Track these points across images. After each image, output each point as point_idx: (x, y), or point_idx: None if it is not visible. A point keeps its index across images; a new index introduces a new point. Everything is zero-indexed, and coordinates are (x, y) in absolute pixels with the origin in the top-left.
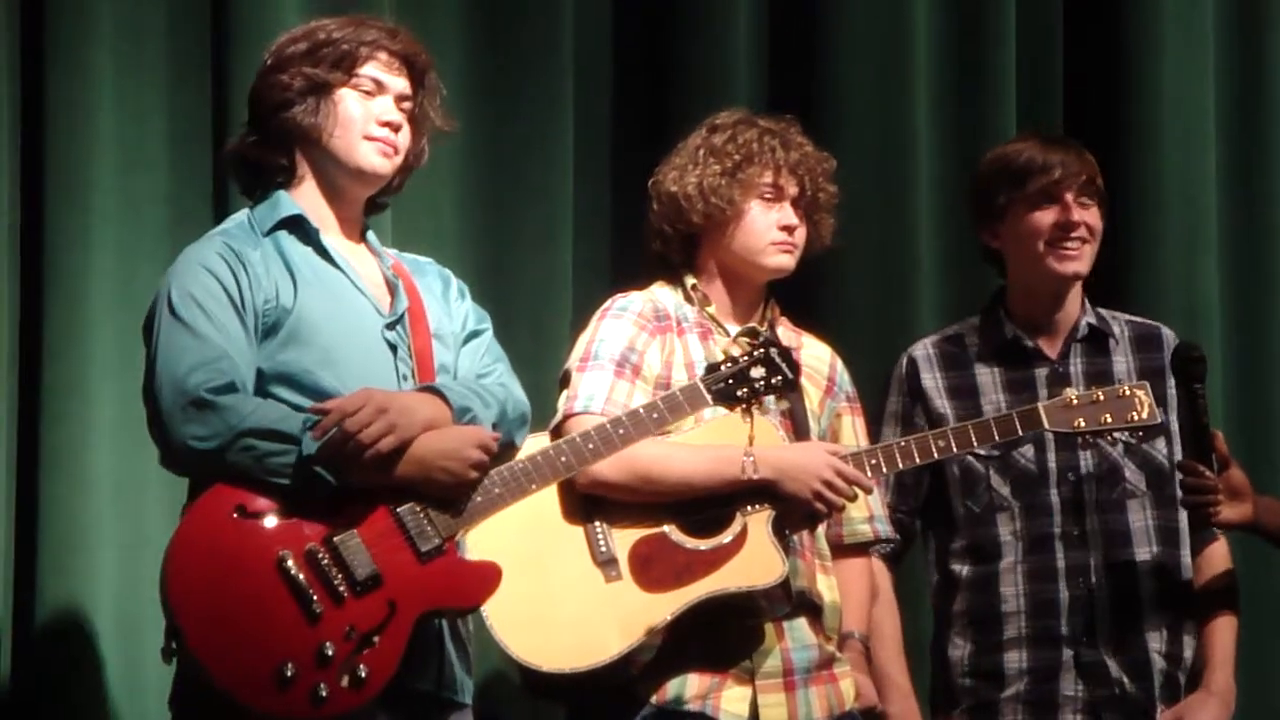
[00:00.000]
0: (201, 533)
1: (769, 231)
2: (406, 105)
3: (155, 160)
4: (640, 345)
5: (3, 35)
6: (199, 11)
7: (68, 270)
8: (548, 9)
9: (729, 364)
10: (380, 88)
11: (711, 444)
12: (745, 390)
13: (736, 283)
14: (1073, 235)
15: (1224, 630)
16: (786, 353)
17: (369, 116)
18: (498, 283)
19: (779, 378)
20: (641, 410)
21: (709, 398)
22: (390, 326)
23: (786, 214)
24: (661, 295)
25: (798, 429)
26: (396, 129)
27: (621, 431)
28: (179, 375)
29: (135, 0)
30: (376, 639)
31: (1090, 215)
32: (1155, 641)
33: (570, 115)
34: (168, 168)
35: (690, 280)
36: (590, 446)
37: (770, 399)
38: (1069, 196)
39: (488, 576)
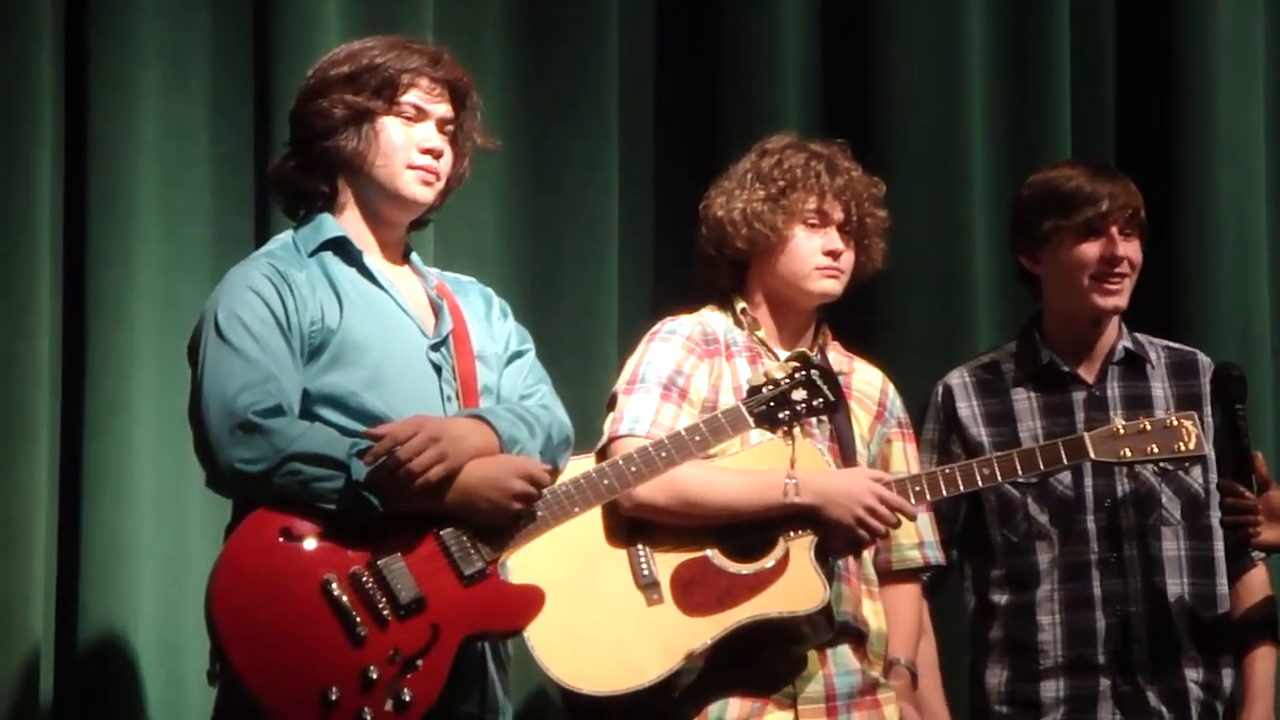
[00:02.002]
0: (246, 555)
1: (813, 257)
2: (449, 129)
3: (198, 180)
4: (688, 369)
5: (47, 56)
6: (242, 33)
7: (111, 289)
8: (593, 27)
9: (771, 386)
10: (422, 114)
11: (756, 468)
12: (787, 413)
13: (784, 307)
14: (1116, 271)
15: (1264, 660)
16: (829, 375)
17: (411, 144)
18: (542, 302)
19: (820, 400)
20: (684, 432)
21: (751, 420)
22: (435, 348)
23: (832, 239)
24: (711, 319)
25: (845, 454)
26: (438, 155)
27: (664, 454)
28: (226, 398)
29: (179, 22)
30: (420, 662)
31: (1133, 249)
32: (1192, 671)
33: (615, 134)
34: (210, 187)
35: (740, 304)
36: (633, 469)
37: (814, 421)
38: (1114, 230)
39: (531, 599)
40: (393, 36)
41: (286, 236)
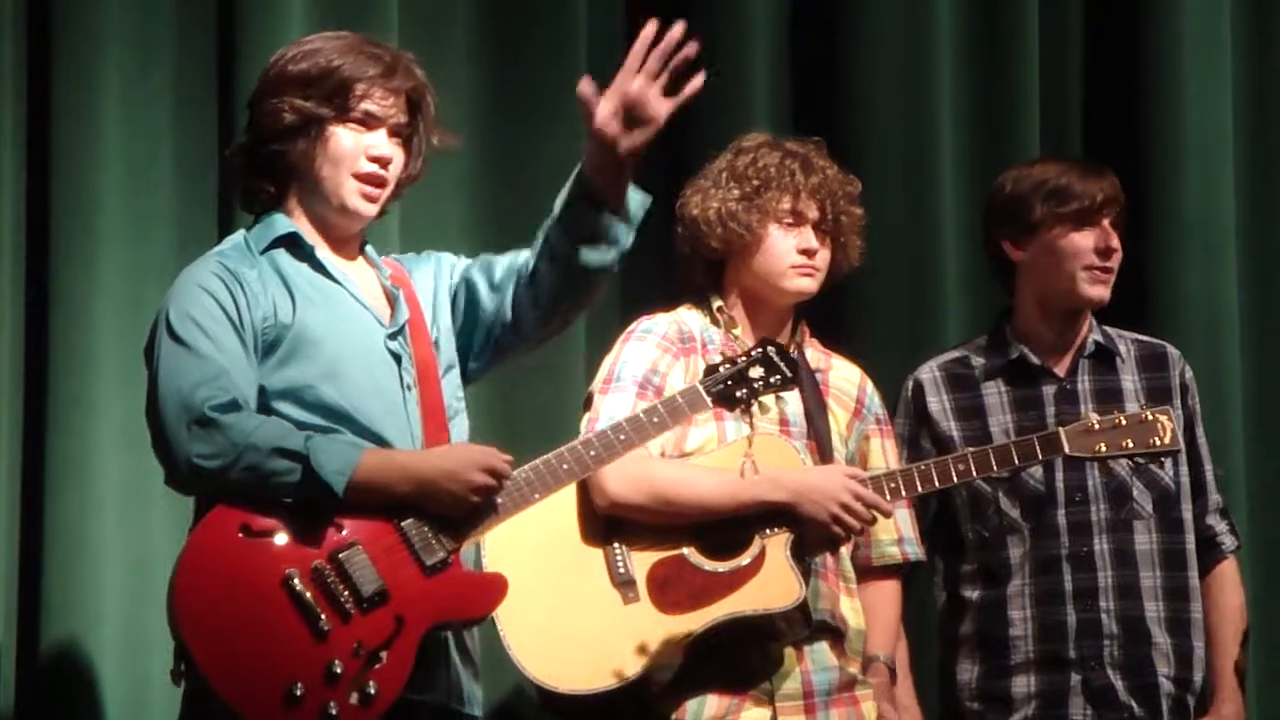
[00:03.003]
0: (207, 554)
1: (788, 256)
2: (402, 132)
3: (162, 180)
4: (663, 367)
5: (9, 55)
6: (206, 32)
7: (74, 290)
8: (562, 24)
9: (728, 365)
10: (374, 121)
11: (732, 466)
12: (744, 391)
13: (761, 305)
14: (1106, 264)
15: (1232, 653)
16: (784, 351)
17: (359, 151)
18: None
19: (777, 376)
20: (641, 414)
21: (708, 400)
22: (392, 337)
23: (806, 238)
24: (688, 317)
25: (823, 451)
26: (386, 163)
27: (623, 437)
28: (182, 395)
29: (142, 20)
30: (384, 655)
31: (1118, 245)
32: (1163, 666)
33: (581, 135)
34: (174, 188)
35: (716, 303)
36: (592, 454)
37: (770, 399)
38: (1107, 222)
39: (494, 587)
40: (352, 36)
41: (238, 236)
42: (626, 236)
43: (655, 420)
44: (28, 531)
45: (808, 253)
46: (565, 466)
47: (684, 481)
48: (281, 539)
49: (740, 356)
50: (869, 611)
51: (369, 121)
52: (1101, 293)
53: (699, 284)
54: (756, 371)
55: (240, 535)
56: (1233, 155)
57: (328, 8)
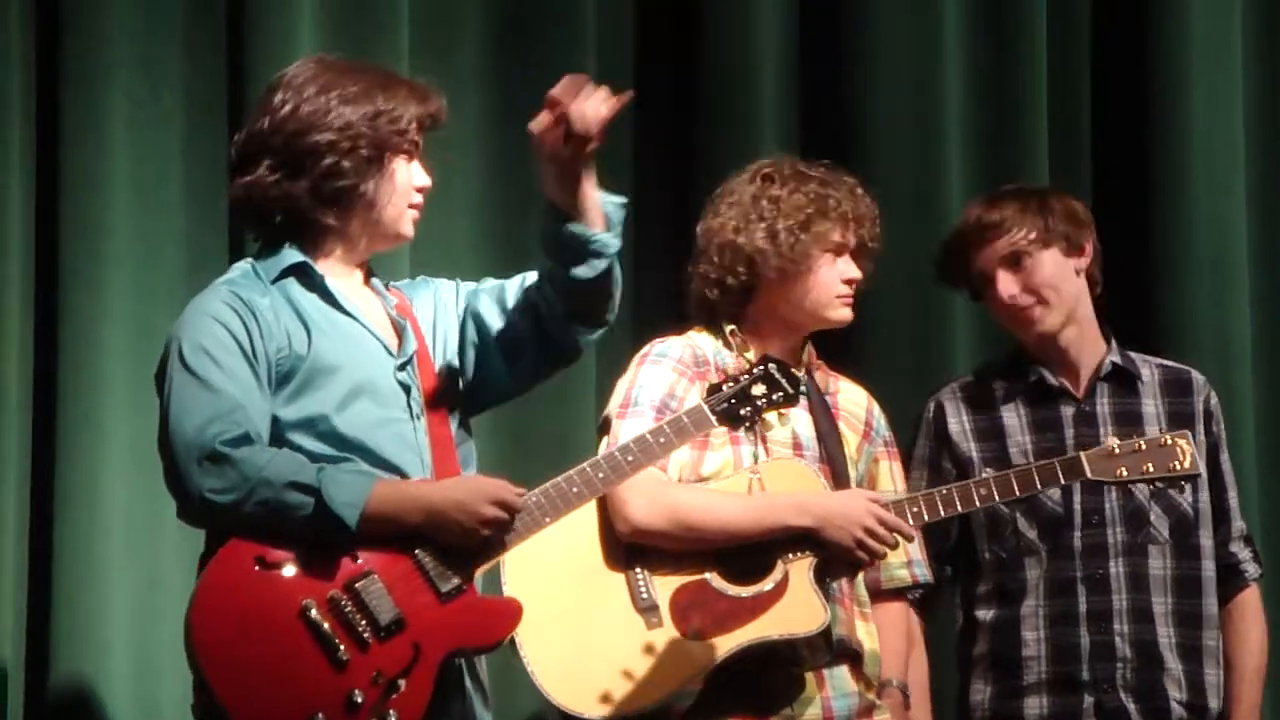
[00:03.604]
0: (223, 586)
1: (834, 286)
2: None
3: (171, 204)
4: (680, 391)
5: (18, 79)
6: (215, 54)
7: (83, 312)
8: (570, 39)
9: (731, 383)
10: (416, 151)
11: (753, 492)
12: (749, 409)
13: (788, 332)
14: (1016, 306)
15: (1250, 681)
16: (785, 368)
17: (410, 183)
18: None
19: (780, 394)
20: (649, 435)
21: (713, 419)
22: (401, 368)
23: (850, 268)
24: (700, 340)
25: (836, 474)
26: (426, 191)
27: (630, 458)
28: (193, 429)
29: (151, 45)
30: (403, 683)
31: (1032, 271)
32: (1175, 691)
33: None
34: (184, 211)
35: (729, 327)
36: (601, 475)
37: (783, 422)
38: (992, 268)
39: (508, 613)
40: (379, 69)
41: (245, 265)
42: (611, 244)
43: (662, 441)
44: (36, 553)
45: (850, 282)
46: (575, 489)
47: (707, 507)
48: (297, 570)
49: (743, 374)
50: (880, 635)
51: (413, 152)
52: (1037, 330)
53: (721, 310)
54: (759, 389)
55: (256, 568)
56: (1244, 167)
57: (338, 29)
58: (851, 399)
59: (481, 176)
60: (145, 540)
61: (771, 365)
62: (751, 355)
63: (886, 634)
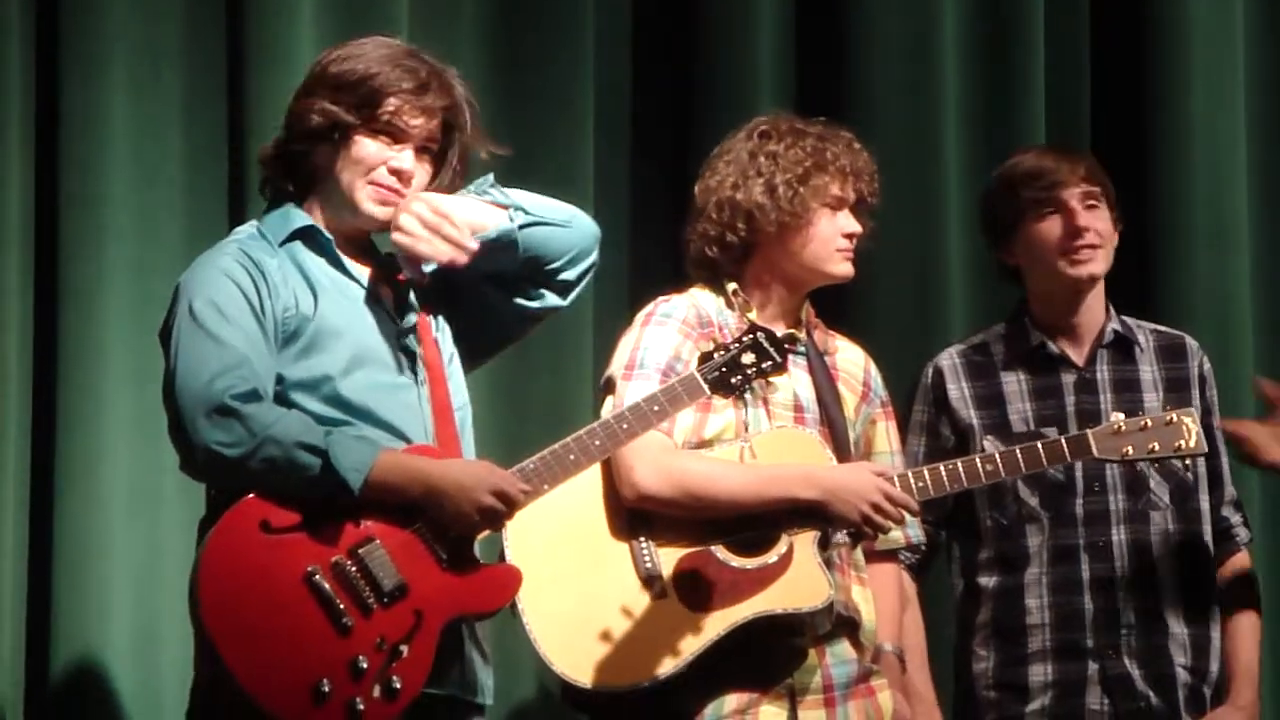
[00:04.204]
0: (228, 551)
1: (834, 240)
2: (431, 149)
3: (170, 176)
4: (685, 354)
5: (18, 52)
6: (214, 29)
7: (82, 284)
8: (568, 19)
9: (721, 352)
10: (402, 135)
11: (758, 462)
12: (739, 377)
13: (789, 289)
14: (1081, 242)
15: (1248, 644)
16: (774, 336)
17: (381, 161)
18: None
19: (768, 362)
20: (643, 403)
21: (706, 387)
22: (404, 334)
23: (850, 221)
24: (703, 299)
25: (836, 438)
26: (406, 179)
27: (625, 425)
28: (203, 381)
29: (151, 18)
30: (405, 649)
31: (1096, 218)
32: (1179, 655)
33: (590, 125)
34: (183, 184)
35: (732, 286)
36: (596, 443)
37: (786, 384)
38: (1073, 202)
39: (509, 580)
40: (400, 46)
41: (251, 226)
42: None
43: (656, 408)
44: (37, 526)
45: (850, 236)
46: (572, 457)
47: (714, 477)
48: (302, 534)
49: (732, 343)
50: (874, 596)
51: (396, 135)
52: (1088, 270)
53: (721, 268)
54: (748, 358)
55: (261, 532)
56: (1244, 135)
57: (337, 6)
58: (850, 359)
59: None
60: (146, 509)
61: (760, 334)
62: (754, 316)
63: (879, 596)
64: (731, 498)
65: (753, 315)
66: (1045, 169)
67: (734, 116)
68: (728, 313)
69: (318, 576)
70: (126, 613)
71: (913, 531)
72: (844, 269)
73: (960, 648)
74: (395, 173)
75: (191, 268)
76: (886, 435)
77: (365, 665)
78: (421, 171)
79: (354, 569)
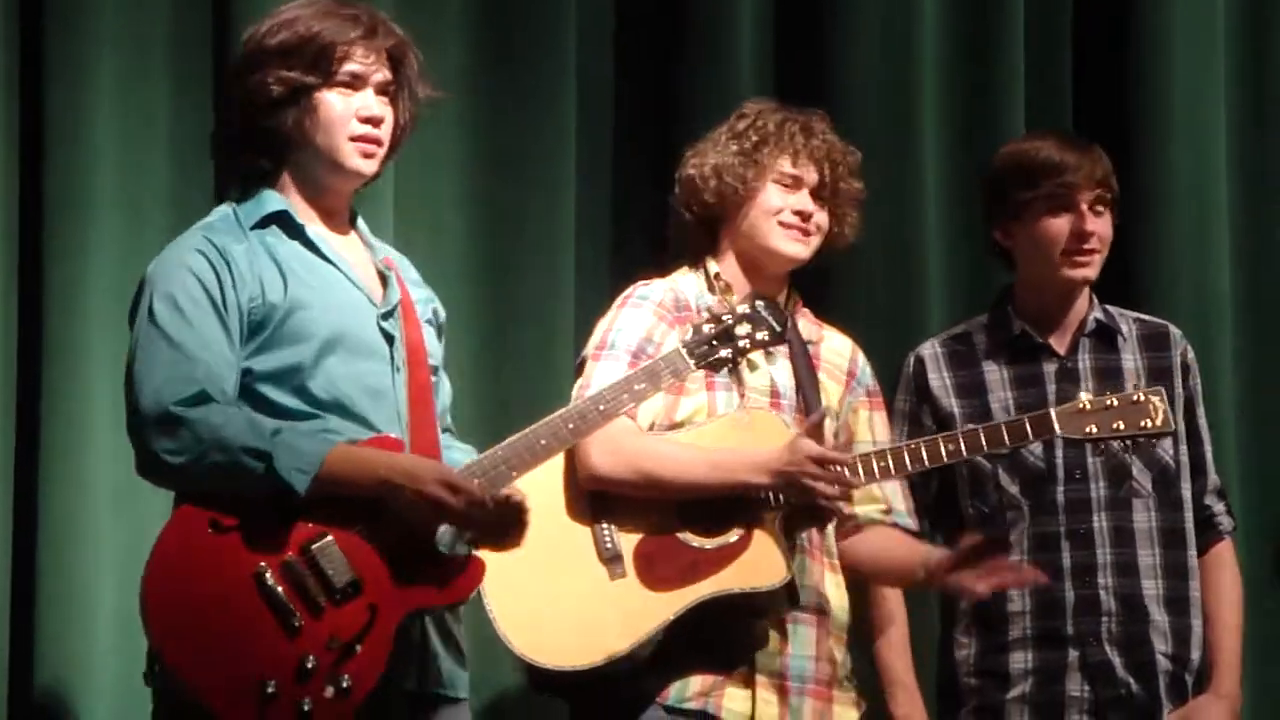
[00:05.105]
0: (177, 552)
1: (781, 214)
2: (389, 90)
3: (156, 165)
4: (658, 336)
5: (2, 53)
6: (200, 18)
7: (67, 275)
8: (552, 18)
9: (712, 324)
10: (360, 81)
11: (718, 445)
12: (730, 349)
13: (755, 270)
14: (1085, 246)
15: (1230, 632)
16: (774, 305)
17: (350, 113)
18: (501, 281)
19: (765, 332)
20: (621, 383)
21: (690, 363)
22: (385, 317)
23: (802, 200)
24: (684, 283)
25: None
26: (379, 123)
27: (601, 407)
28: (153, 388)
29: (136, 7)
30: (358, 647)
31: (1102, 224)
32: (1160, 643)
33: (573, 113)
34: (169, 173)
35: (714, 268)
36: (570, 426)
37: (762, 368)
38: (1085, 205)
39: (471, 571)
40: (323, 1)
41: (226, 209)
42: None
43: (637, 388)
44: (21, 519)
45: (801, 214)
46: (543, 442)
47: (669, 458)
48: (251, 533)
49: (726, 313)
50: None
51: (354, 83)
52: (1084, 274)
53: (693, 247)
54: (743, 328)
55: (210, 531)
56: (1224, 123)
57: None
58: (835, 348)
59: (464, 138)
60: (130, 501)
61: (759, 303)
62: (735, 299)
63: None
64: (686, 481)
65: (733, 299)
66: (1067, 165)
67: (716, 113)
68: (708, 296)
69: (267, 576)
70: (111, 604)
71: (900, 520)
72: (788, 246)
73: (943, 635)
74: (367, 120)
75: (159, 258)
76: (869, 425)
77: (313, 665)
78: (388, 114)
79: (304, 567)
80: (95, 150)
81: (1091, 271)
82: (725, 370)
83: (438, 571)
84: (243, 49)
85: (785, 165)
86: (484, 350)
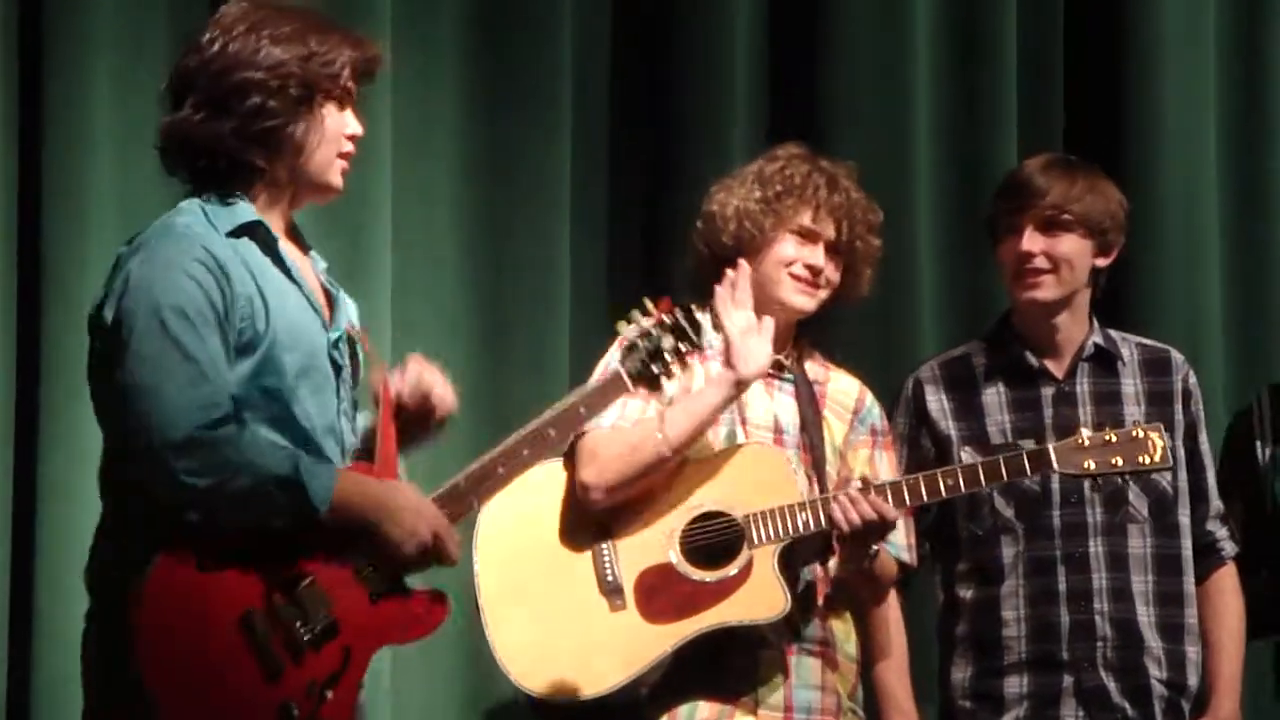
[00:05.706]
0: (166, 598)
1: (793, 266)
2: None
3: (154, 170)
4: None
5: (1, 44)
6: (198, 18)
7: (65, 273)
8: (547, 18)
9: (643, 338)
10: (348, 99)
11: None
12: (659, 365)
13: (761, 313)
14: (1028, 265)
15: (1229, 657)
16: (691, 313)
17: (340, 131)
18: (495, 293)
19: (685, 343)
20: (566, 407)
21: (629, 382)
22: (335, 345)
23: (816, 254)
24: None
25: (816, 461)
26: (358, 141)
27: (553, 431)
28: (173, 407)
29: (135, 6)
30: (330, 693)
31: (1057, 243)
32: (1155, 668)
33: (568, 127)
34: (167, 177)
35: None
36: (526, 451)
37: (767, 406)
38: (1030, 226)
39: (437, 607)
40: (314, 13)
41: (196, 209)
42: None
43: (582, 411)
44: (21, 519)
45: (812, 269)
46: (501, 470)
47: (630, 446)
48: (238, 572)
49: (654, 325)
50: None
51: (344, 100)
52: (1031, 295)
53: (708, 283)
54: (668, 342)
55: (197, 573)
56: (1214, 139)
57: (319, 4)
58: (841, 388)
59: (458, 152)
60: None
61: (678, 312)
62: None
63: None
64: (656, 456)
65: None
66: (1019, 187)
67: (710, 122)
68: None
69: (254, 619)
70: None
71: (899, 554)
72: (794, 298)
73: (941, 659)
74: (351, 138)
75: (149, 260)
76: (873, 462)
77: (297, 713)
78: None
79: (290, 609)
80: (93, 149)
81: (1042, 293)
82: (668, 378)
83: (406, 608)
84: (234, 34)
85: (805, 219)
86: (478, 364)
